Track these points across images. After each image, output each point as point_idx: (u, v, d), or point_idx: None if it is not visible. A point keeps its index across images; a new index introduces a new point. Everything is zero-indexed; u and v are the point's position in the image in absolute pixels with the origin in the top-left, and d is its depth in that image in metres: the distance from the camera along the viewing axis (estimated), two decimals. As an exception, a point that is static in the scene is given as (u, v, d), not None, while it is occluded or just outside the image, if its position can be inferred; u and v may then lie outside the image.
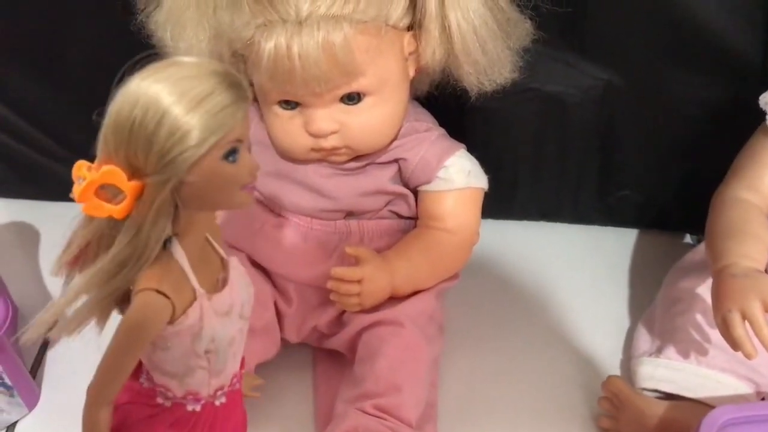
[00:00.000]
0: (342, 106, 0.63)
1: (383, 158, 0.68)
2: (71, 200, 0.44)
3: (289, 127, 0.65)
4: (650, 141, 0.80)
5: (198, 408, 0.50)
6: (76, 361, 0.66)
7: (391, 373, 0.65)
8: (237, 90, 0.43)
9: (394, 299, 0.69)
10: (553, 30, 0.69)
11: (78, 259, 0.46)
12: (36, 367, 0.75)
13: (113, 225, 0.44)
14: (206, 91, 0.42)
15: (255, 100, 0.69)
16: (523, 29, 0.66)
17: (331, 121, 0.64)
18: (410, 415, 0.64)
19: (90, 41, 0.77)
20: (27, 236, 0.86)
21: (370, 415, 0.63)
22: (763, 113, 0.67)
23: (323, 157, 0.67)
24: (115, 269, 0.44)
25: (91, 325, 0.47)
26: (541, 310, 0.80)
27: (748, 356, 0.59)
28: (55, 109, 0.83)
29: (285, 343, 0.72)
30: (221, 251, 0.51)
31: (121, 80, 0.44)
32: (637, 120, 0.79)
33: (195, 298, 0.47)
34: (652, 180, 0.83)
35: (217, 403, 0.51)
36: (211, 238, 0.50)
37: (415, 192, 0.71)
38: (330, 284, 0.66)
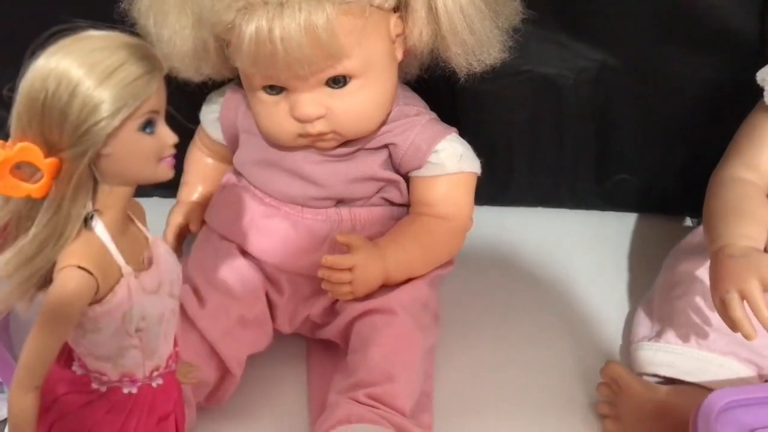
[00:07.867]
0: (328, 89, 0.62)
1: (373, 144, 0.67)
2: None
3: (275, 113, 0.64)
4: (648, 122, 0.79)
5: (134, 390, 0.49)
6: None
7: (384, 362, 0.64)
8: (149, 61, 0.44)
9: (387, 287, 0.68)
10: (543, 9, 0.68)
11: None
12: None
13: (31, 205, 0.44)
14: (117, 62, 0.43)
15: (240, 86, 0.68)
16: (512, 8, 0.65)
17: (316, 105, 0.62)
18: (404, 404, 0.63)
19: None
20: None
21: (362, 404, 0.62)
22: (761, 90, 0.65)
23: (310, 143, 0.66)
24: (36, 250, 0.44)
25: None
26: (539, 297, 0.79)
27: (747, 337, 0.57)
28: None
29: (278, 334, 0.71)
30: (144, 229, 0.50)
31: (32, 55, 0.43)
32: (633, 101, 0.77)
33: (121, 276, 0.46)
34: (651, 162, 0.82)
35: (154, 384, 0.50)
36: (133, 216, 0.49)
37: (407, 178, 0.70)
38: (321, 273, 0.65)
